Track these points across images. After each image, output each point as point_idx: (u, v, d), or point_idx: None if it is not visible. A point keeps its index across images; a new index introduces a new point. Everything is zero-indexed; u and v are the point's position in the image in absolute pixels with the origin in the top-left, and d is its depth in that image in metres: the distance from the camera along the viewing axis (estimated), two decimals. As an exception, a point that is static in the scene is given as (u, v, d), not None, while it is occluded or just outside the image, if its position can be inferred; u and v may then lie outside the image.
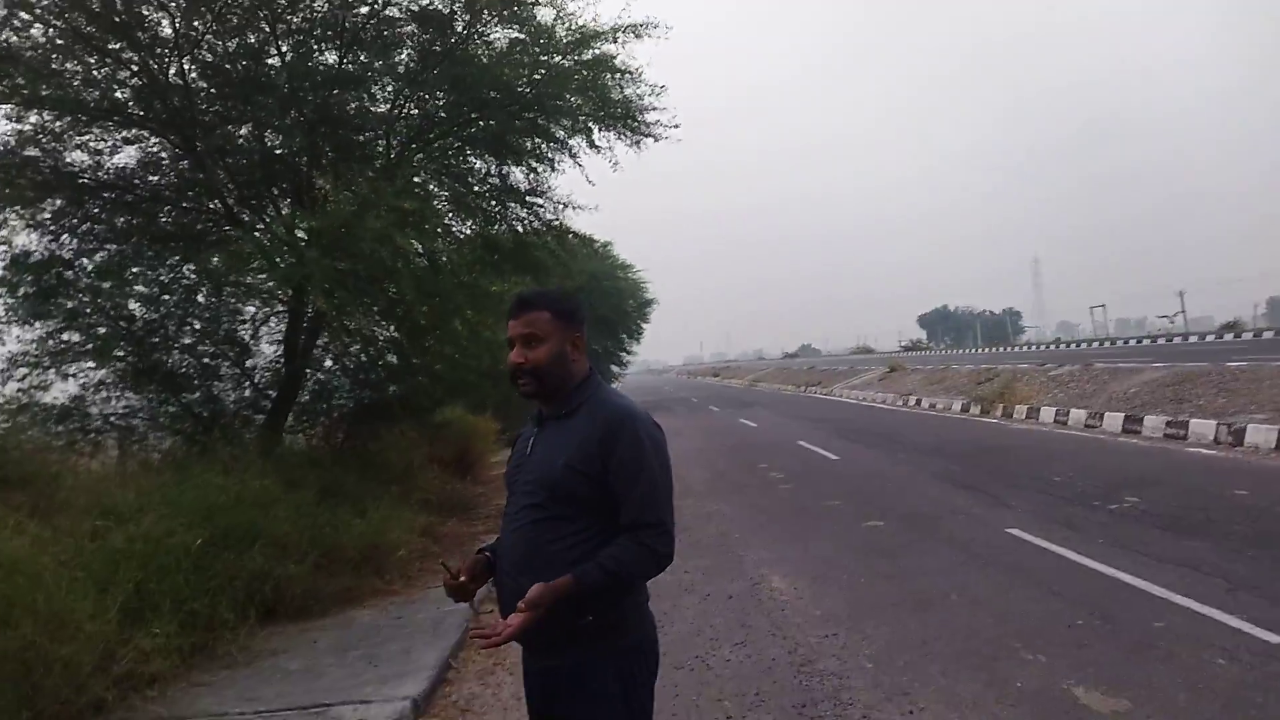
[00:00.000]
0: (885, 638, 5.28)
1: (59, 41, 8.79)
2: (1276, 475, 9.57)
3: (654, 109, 11.22)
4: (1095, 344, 52.01)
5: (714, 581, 6.99)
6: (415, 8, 10.04)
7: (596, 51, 10.65)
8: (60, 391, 9.07)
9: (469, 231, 11.92)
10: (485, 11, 9.95)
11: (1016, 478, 10.67)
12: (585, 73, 10.54)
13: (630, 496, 2.09)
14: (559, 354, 2.21)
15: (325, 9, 9.73)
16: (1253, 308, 64.54)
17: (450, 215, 11.66)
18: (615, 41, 10.61)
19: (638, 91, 11.08)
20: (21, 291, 8.75)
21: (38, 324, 8.90)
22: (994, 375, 24.16)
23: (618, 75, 10.87)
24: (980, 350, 66.84)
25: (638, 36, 10.65)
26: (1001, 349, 63.96)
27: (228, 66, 9.66)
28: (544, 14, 10.40)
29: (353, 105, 10.17)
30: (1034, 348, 59.76)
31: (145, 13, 9.00)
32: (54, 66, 8.76)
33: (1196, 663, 4.46)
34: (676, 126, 11.49)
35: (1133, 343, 47.19)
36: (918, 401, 25.22)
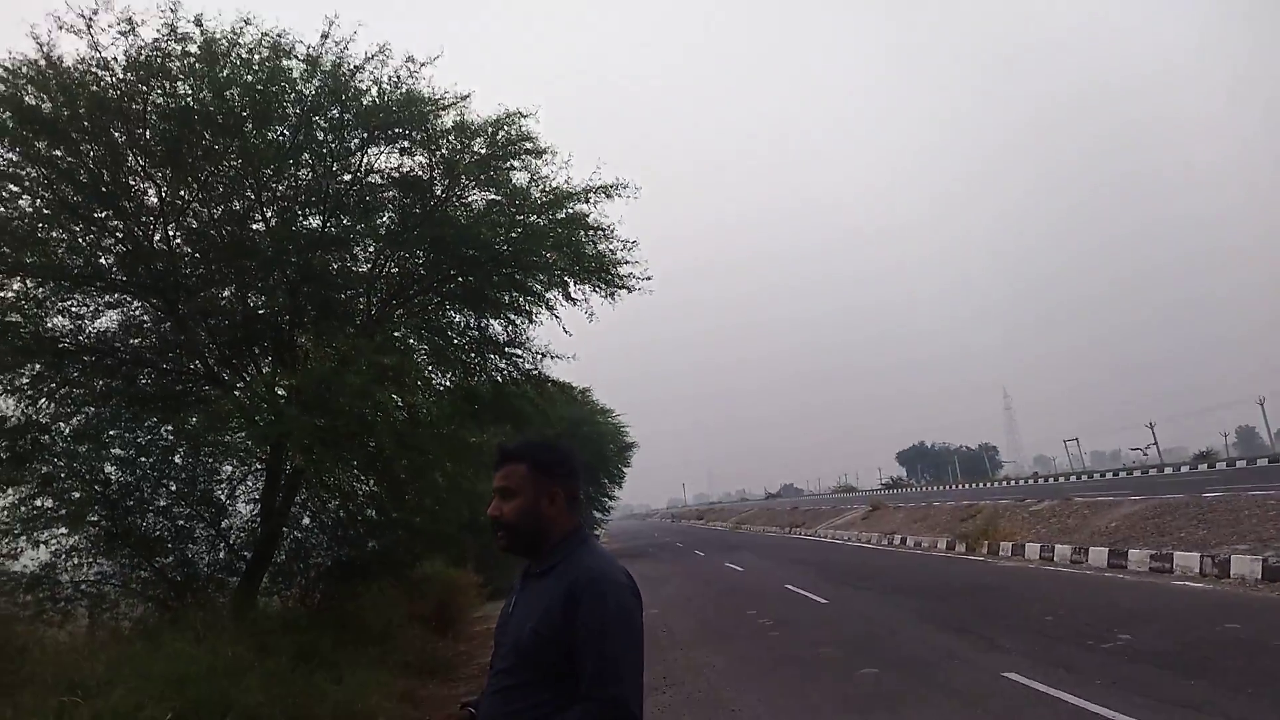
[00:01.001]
0: (888, 794, 5.05)
1: (46, 211, 9.05)
2: (1267, 608, 9.48)
3: (627, 262, 11.64)
4: (1072, 477, 52.13)
5: (707, 740, 6.71)
6: (396, 174, 10.55)
7: (570, 210, 11.15)
8: (30, 559, 8.83)
9: (448, 383, 12.05)
10: (463, 177, 10.46)
11: (1008, 618, 10.48)
12: (560, 230, 10.96)
13: (587, 665, 1.97)
14: (531, 509, 2.17)
15: (309, 177, 10.18)
16: (1223, 437, 65.45)
17: (430, 368, 11.80)
18: (587, 201, 11.16)
19: (610, 246, 11.53)
20: (-5, 457, 8.65)
21: (10, 490, 8.76)
22: (976, 512, 24.07)
23: (591, 232, 11.33)
24: (960, 486, 66.74)
25: (608, 196, 11.22)
26: (981, 484, 63.92)
27: (212, 232, 9.97)
28: (519, 178, 10.97)
29: (335, 265, 10.46)
30: (1013, 483, 59.74)
31: (132, 183, 9.36)
32: (39, 235, 8.97)
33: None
34: (649, 279, 11.91)
35: (1109, 475, 47.40)
36: (902, 540, 24.96)
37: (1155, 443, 58.21)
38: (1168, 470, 43.11)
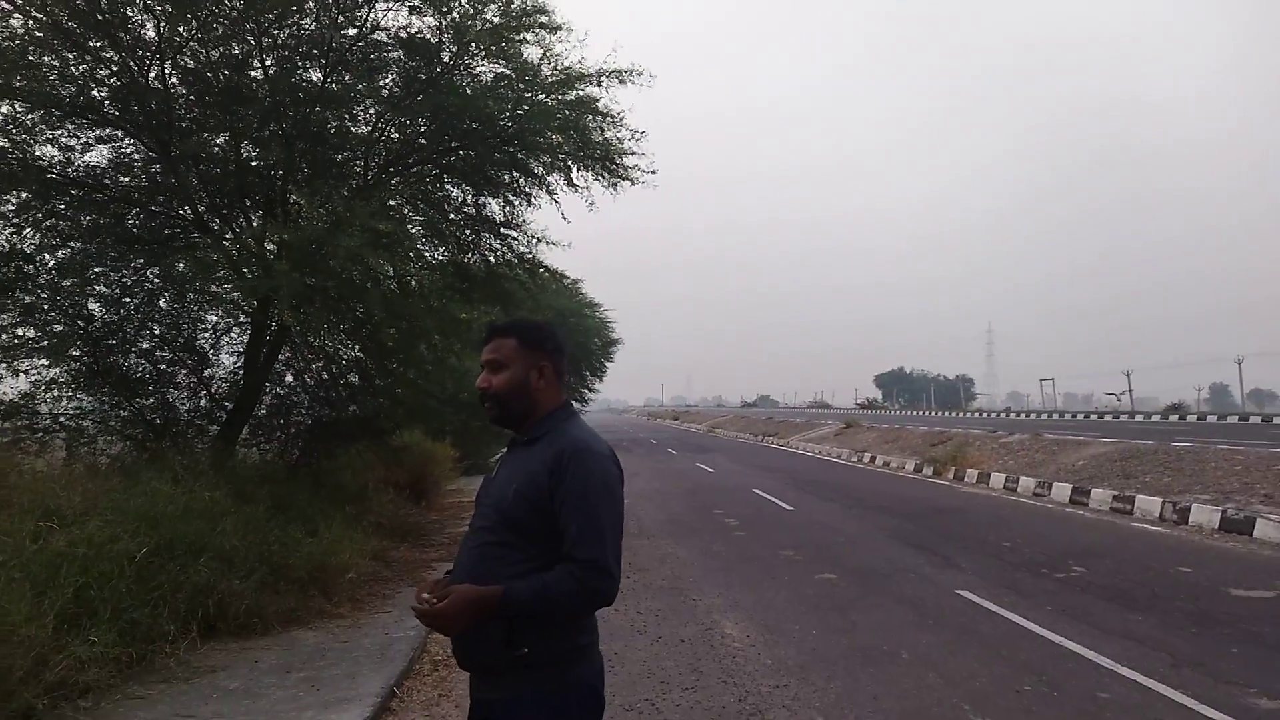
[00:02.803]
0: (836, 691, 5.28)
1: (38, 34, 8.68)
2: (1219, 555, 9.80)
3: (633, 153, 11.36)
4: (1044, 415, 53.02)
5: (666, 625, 6.96)
6: (403, 34, 10.12)
7: (580, 93, 10.79)
8: (9, 387, 8.83)
9: (441, 258, 11.88)
10: (473, 44, 10.06)
11: (967, 540, 10.81)
12: (567, 112, 10.62)
13: (570, 527, 2.04)
14: (521, 381, 2.21)
15: (312, 27, 9.77)
16: (1195, 392, 66.46)
17: (423, 240, 11.63)
18: (599, 85, 10.78)
19: (618, 135, 11.20)
20: (-23, 283, 8.54)
21: (-9, 317, 8.68)
22: (947, 438, 24.55)
23: (599, 118, 11.00)
24: (934, 413, 67.80)
25: (621, 82, 10.83)
26: (954, 414, 64.95)
27: (209, 75, 9.61)
28: (531, 52, 10.54)
29: (333, 124, 10.15)
30: (985, 415, 60.76)
31: (130, 13, 8.95)
32: (30, 59, 8.64)
33: (1138, 728, 4.53)
34: (654, 172, 11.65)
35: (1080, 417, 48.22)
36: (872, 459, 25.50)
37: (1130, 390, 59.09)
38: (1139, 417, 43.90)
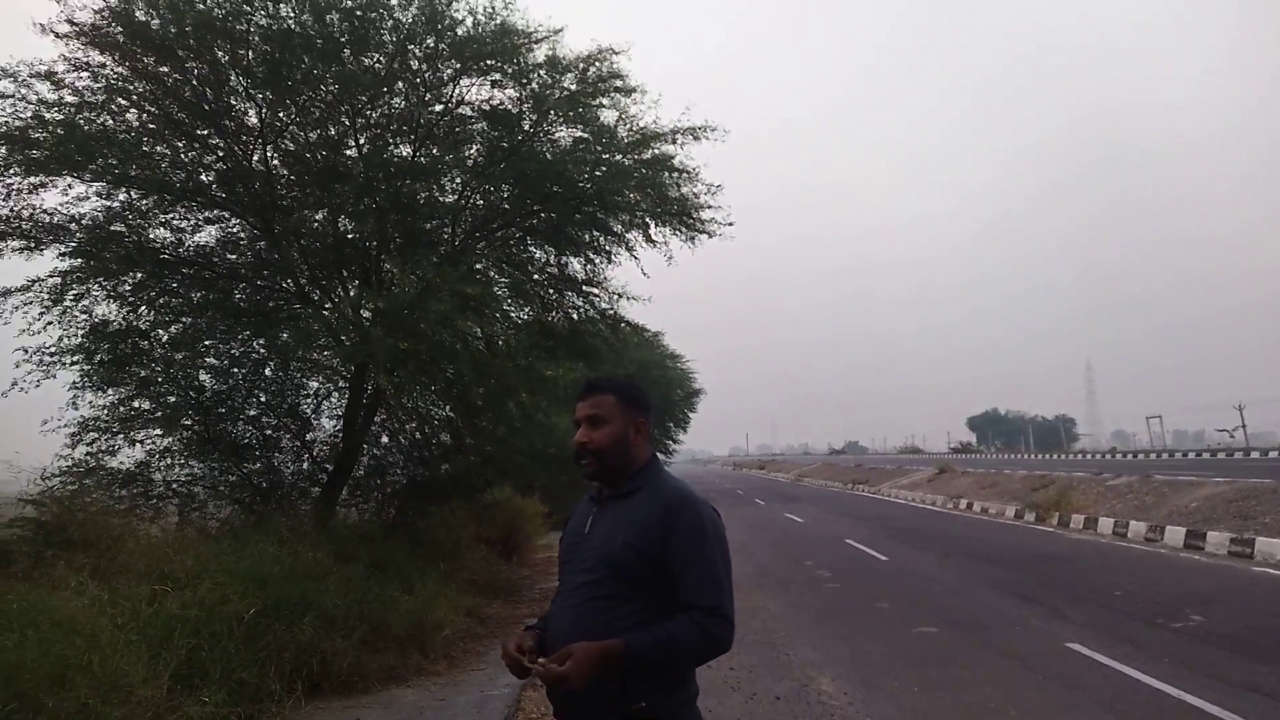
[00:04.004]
0: (938, 748, 5.10)
1: (151, 126, 9.38)
2: (1351, 598, 9.14)
3: (709, 206, 11.50)
4: (1153, 455, 50.49)
5: (760, 681, 6.84)
6: (486, 107, 10.59)
7: (656, 151, 11.05)
8: (127, 457, 9.38)
9: (526, 317, 12.19)
10: (551, 112, 10.45)
11: (1075, 589, 10.33)
12: (644, 171, 10.87)
13: (688, 578, 2.08)
14: (621, 437, 2.27)
15: (402, 105, 10.32)
16: (1317, 425, 62.42)
17: (509, 301, 11.95)
18: (674, 142, 11.02)
19: (694, 190, 11.38)
20: (98, 359, 9.17)
21: (110, 391, 9.30)
22: (1049, 482, 23.58)
23: (675, 174, 11.20)
24: (1033, 456, 65.25)
25: (696, 139, 11.06)
26: (1055, 456, 62.38)
27: (308, 155, 10.22)
28: (607, 115, 10.88)
29: (422, 195, 10.61)
30: (1089, 456, 58.18)
31: (233, 103, 9.64)
32: (144, 149, 9.31)
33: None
34: (731, 224, 11.75)
35: (1191, 455, 45.74)
36: (969, 505, 24.65)
37: (1243, 424, 55.83)
38: (1254, 454, 41.40)
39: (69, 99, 8.84)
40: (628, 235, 11.64)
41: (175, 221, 10.08)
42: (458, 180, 10.93)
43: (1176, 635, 7.76)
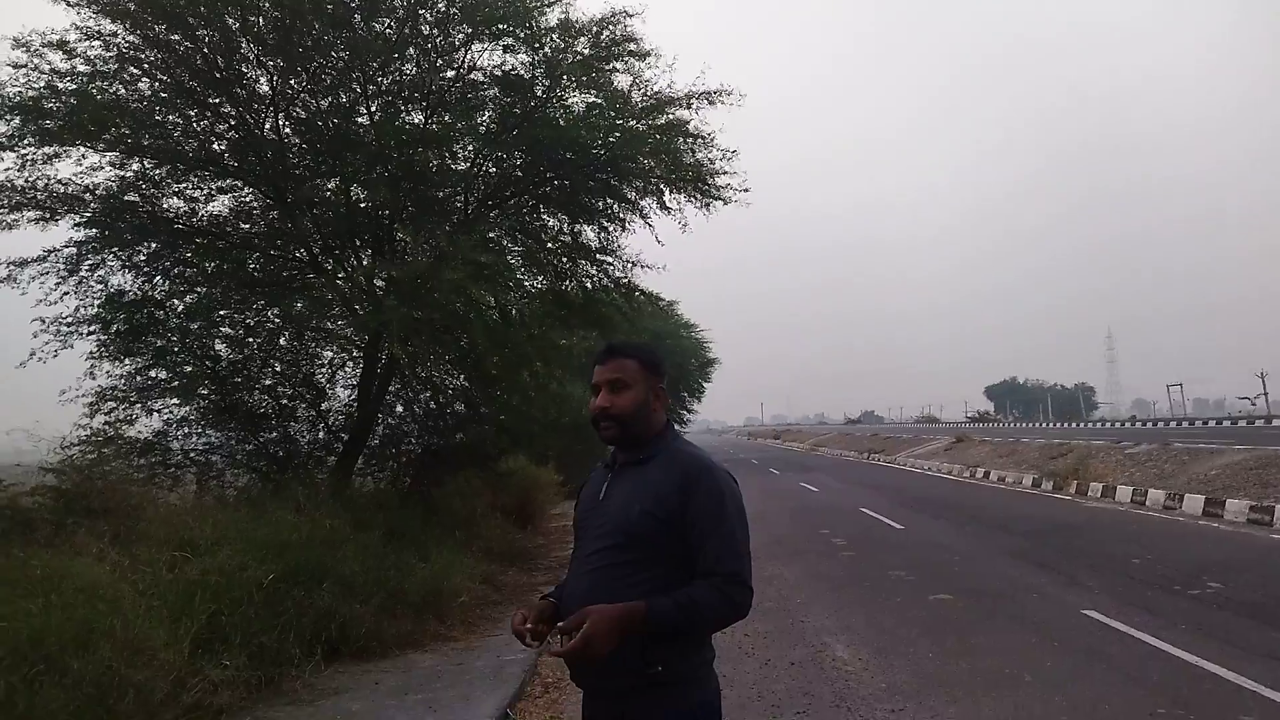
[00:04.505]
0: (955, 716, 5.10)
1: (163, 95, 9.33)
2: (1373, 566, 9.06)
3: (725, 173, 11.35)
4: (1173, 423, 50.12)
5: (775, 647, 6.86)
6: (498, 73, 10.46)
7: (670, 116, 10.88)
8: (144, 426, 9.47)
9: (540, 286, 12.16)
10: (565, 77, 10.30)
11: (1092, 557, 10.29)
12: (659, 137, 10.71)
13: (707, 544, 2.07)
14: (643, 401, 2.24)
15: (414, 72, 10.21)
16: (1342, 392, 61.51)
17: (522, 270, 11.91)
18: (689, 107, 10.85)
19: (709, 155, 11.21)
20: (114, 329, 9.23)
21: (127, 360, 9.35)
22: (1067, 451, 23.48)
23: (690, 140, 11.05)
24: (1051, 425, 64.93)
25: (711, 103, 10.88)
26: (1074, 425, 62.04)
27: (320, 123, 10.13)
28: (621, 80, 10.71)
29: (435, 163, 10.53)
30: (1108, 425, 57.87)
31: (244, 70, 9.56)
32: (157, 118, 9.28)
33: (1289, 758, 4.22)
34: (746, 190, 11.60)
35: (1212, 424, 45.36)
36: (985, 474, 24.59)
37: (1265, 392, 55.31)
38: (1276, 422, 41.02)
39: (81, 68, 8.79)
40: (642, 202, 11.52)
41: (188, 191, 10.05)
42: (470, 148, 10.83)
43: (1194, 602, 7.72)
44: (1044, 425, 64.87)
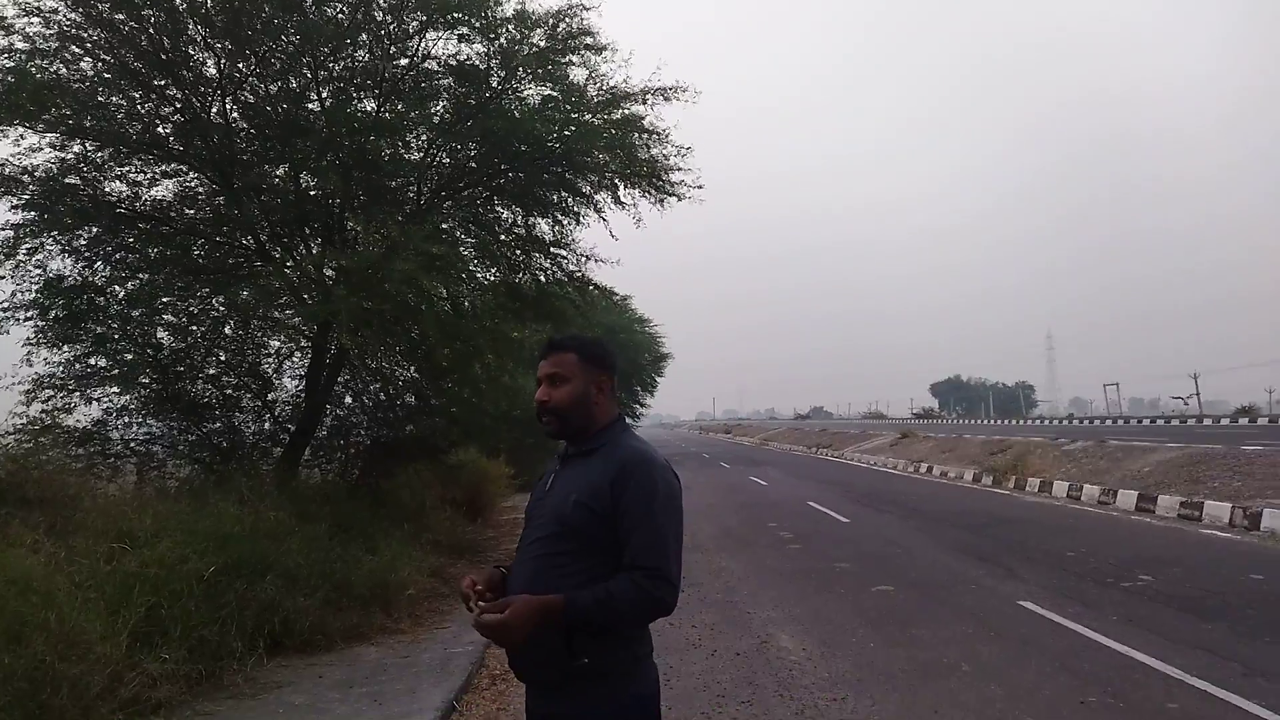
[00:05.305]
0: (895, 704, 5.23)
1: (106, 75, 9.08)
2: (1292, 560, 9.47)
3: (679, 169, 11.40)
4: (1109, 421, 51.63)
5: (721, 638, 6.95)
6: (453, 62, 10.37)
7: (626, 111, 10.89)
8: (83, 415, 9.21)
9: (493, 278, 12.07)
10: (520, 69, 10.26)
11: (1029, 550, 10.60)
12: (614, 131, 10.70)
13: (633, 537, 2.06)
14: (581, 395, 2.24)
15: (366, 59, 10.07)
16: (1267, 394, 63.86)
17: (475, 262, 11.81)
18: (644, 103, 10.86)
19: (664, 152, 11.25)
20: (52, 315, 8.95)
21: (66, 347, 9.07)
22: (1007, 447, 24.07)
23: (645, 135, 11.07)
24: (993, 422, 66.40)
25: (666, 100, 10.90)
26: (1014, 422, 63.53)
27: (268, 108, 9.95)
28: (577, 74, 10.70)
29: (387, 152, 10.40)
30: (1047, 422, 59.30)
31: (191, 52, 9.33)
32: (99, 99, 9.02)
33: (1208, 743, 4.41)
34: (700, 187, 11.68)
35: (1146, 422, 46.84)
36: (929, 469, 25.10)
37: (1198, 393, 57.20)
38: (1207, 421, 42.49)
39: (19, 45, 8.49)
40: (596, 196, 11.53)
41: (132, 175, 9.77)
42: (424, 137, 10.73)
43: (1126, 594, 8.00)
44: (985, 422, 66.26)
